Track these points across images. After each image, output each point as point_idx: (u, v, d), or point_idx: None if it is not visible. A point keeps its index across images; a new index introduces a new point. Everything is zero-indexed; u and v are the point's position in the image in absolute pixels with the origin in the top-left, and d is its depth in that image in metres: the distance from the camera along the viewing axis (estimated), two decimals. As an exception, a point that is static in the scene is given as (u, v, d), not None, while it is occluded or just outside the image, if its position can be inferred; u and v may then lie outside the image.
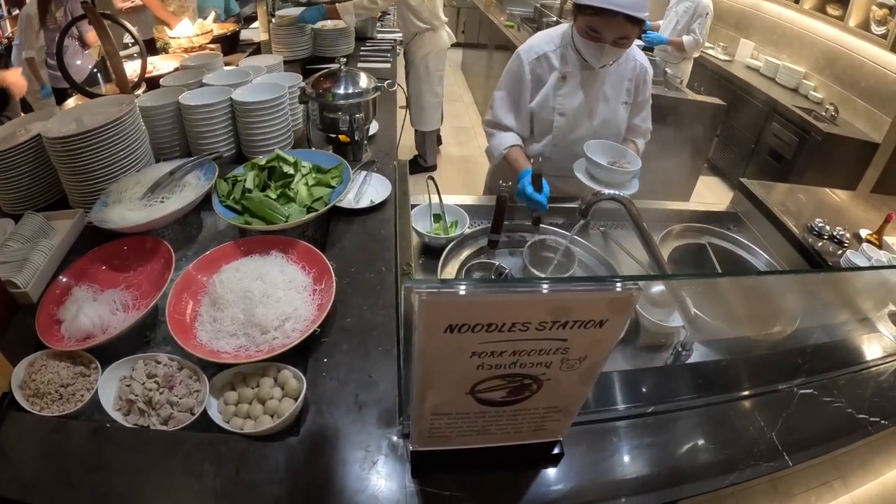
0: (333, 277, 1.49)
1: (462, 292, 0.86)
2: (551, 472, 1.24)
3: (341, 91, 2.04)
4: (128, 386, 1.30)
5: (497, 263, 1.89)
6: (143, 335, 1.49)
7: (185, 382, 1.32)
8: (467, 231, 1.99)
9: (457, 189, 4.93)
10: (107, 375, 1.31)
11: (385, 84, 2.13)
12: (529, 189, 1.97)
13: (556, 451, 1.25)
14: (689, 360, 1.71)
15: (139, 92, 2.36)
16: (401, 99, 2.87)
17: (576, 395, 1.12)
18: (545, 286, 0.89)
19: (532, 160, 2.13)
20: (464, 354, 0.95)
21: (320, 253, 1.56)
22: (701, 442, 1.38)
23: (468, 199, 2.27)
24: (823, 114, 4.84)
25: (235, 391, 1.32)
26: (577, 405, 1.15)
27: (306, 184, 1.73)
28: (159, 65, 2.65)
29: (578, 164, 2.14)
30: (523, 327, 0.92)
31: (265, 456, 1.19)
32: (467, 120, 6.92)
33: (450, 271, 1.84)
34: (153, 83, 2.40)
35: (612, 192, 1.53)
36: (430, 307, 0.87)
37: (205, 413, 1.26)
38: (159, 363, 1.35)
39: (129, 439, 1.20)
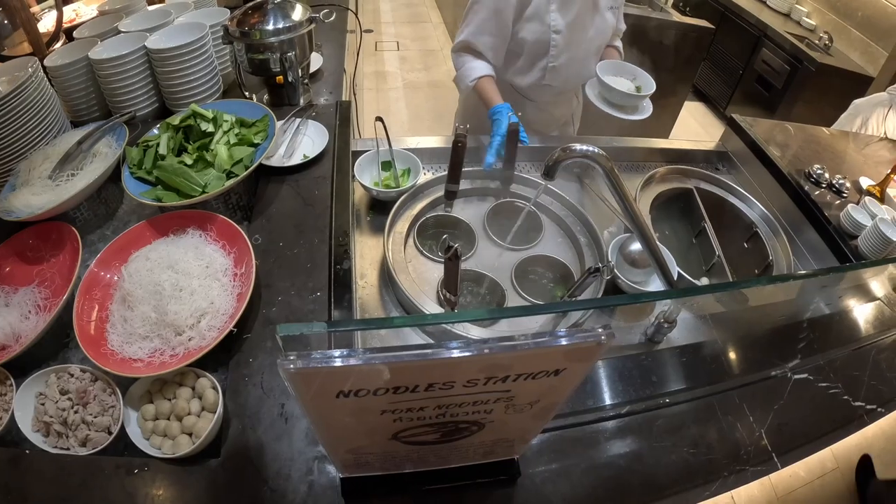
0: (254, 260, 1.13)
1: (345, 362, 0.55)
2: (506, 490, 0.99)
3: (269, 27, 1.61)
4: (42, 405, 1.07)
5: (445, 237, 1.49)
6: (63, 335, 1.20)
7: (99, 398, 1.08)
8: (420, 181, 1.59)
9: (424, 115, 4.58)
10: (22, 393, 1.07)
11: (321, 14, 1.64)
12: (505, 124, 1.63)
13: (511, 468, 0.98)
14: (672, 344, 1.41)
15: (57, 45, 1.88)
16: (351, 22, 2.35)
17: (529, 428, 0.78)
18: (469, 349, 0.56)
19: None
20: (371, 413, 0.65)
21: (239, 229, 1.21)
22: (681, 446, 1.13)
23: (426, 141, 1.85)
24: (817, 42, 4.26)
25: (153, 404, 1.08)
26: (532, 434, 0.82)
27: (227, 143, 1.33)
28: (83, 11, 2.15)
29: (590, 87, 1.84)
30: (445, 386, 0.61)
31: (186, 483, 0.97)
32: (435, 42, 6.17)
33: (399, 229, 1.45)
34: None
35: (584, 147, 1.10)
36: (305, 378, 0.58)
37: (123, 429, 1.03)
38: (72, 376, 1.10)
39: (48, 467, 0.98)
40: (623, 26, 2.05)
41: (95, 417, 1.04)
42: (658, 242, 1.32)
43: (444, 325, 1.27)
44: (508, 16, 1.76)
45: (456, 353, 0.55)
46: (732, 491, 2.28)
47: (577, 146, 1.12)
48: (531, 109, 2.03)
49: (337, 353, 0.53)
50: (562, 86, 1.95)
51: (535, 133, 2.01)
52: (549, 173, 1.15)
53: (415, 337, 1.30)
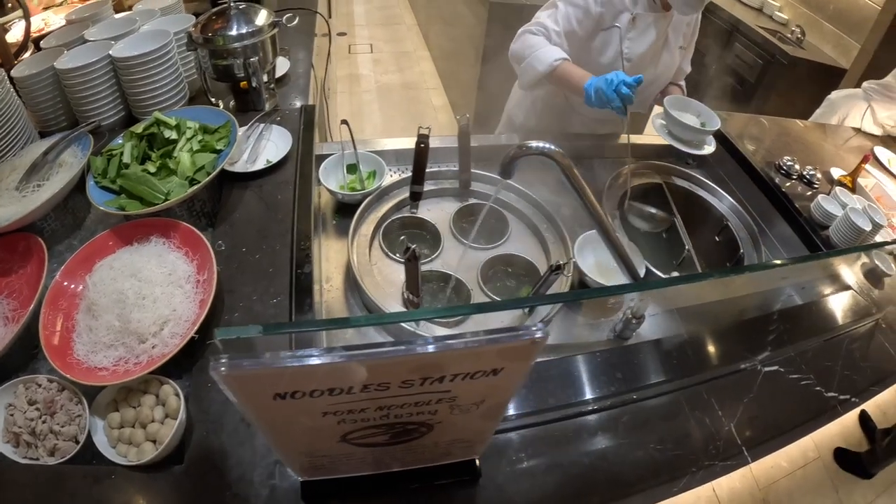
0: (215, 267, 1.15)
1: (272, 364, 0.58)
2: (468, 491, 1.00)
3: (232, 33, 1.62)
4: (11, 415, 1.09)
5: (402, 238, 1.50)
6: (32, 346, 1.21)
7: (66, 407, 1.09)
8: (385, 183, 1.60)
9: (398, 117, 4.60)
10: (-9, 405, 1.08)
11: (284, 19, 1.65)
12: (623, 80, 1.60)
13: (471, 469, 0.99)
14: (641, 339, 1.43)
15: (26, 55, 1.89)
16: (321, 26, 2.36)
17: (481, 429, 0.80)
18: (396, 350, 0.59)
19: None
20: (312, 416, 0.68)
21: (201, 236, 1.23)
22: (648, 443, 1.13)
23: (394, 143, 1.86)
24: (789, 36, 4.26)
25: (119, 412, 1.09)
26: (487, 434, 0.84)
27: (190, 150, 1.35)
28: (52, 20, 2.16)
29: (656, 120, 1.90)
30: (381, 387, 0.63)
31: (151, 490, 0.98)
32: (409, 44, 6.15)
33: (364, 232, 1.47)
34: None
35: (540, 144, 1.11)
36: (237, 381, 0.60)
37: (90, 438, 1.04)
38: (39, 386, 1.11)
39: (19, 477, 1.00)
40: (688, 68, 2.10)
41: (63, 427, 1.05)
42: (619, 237, 1.34)
43: (404, 327, 1.30)
44: (583, 33, 1.80)
45: (383, 354, 0.57)
46: (714, 484, 2.32)
47: (534, 143, 1.14)
48: (577, 122, 2.09)
49: (268, 355, 0.55)
50: None
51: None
52: (505, 172, 1.17)
53: (378, 339, 1.31)
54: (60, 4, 2.29)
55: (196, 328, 1.10)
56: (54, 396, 1.08)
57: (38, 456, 1.04)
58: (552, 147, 1.12)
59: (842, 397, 1.30)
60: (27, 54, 1.92)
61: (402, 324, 1.28)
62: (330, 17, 2.42)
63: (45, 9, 2.30)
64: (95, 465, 1.01)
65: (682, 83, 2.13)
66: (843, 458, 2.63)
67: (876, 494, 2.52)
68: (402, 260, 1.47)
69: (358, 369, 0.58)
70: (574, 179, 1.15)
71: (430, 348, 0.58)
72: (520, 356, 0.64)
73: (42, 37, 1.95)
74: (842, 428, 2.68)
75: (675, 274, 1.73)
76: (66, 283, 1.23)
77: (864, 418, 2.77)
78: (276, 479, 0.97)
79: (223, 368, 0.55)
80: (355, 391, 0.61)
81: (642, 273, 1.45)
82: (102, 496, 0.96)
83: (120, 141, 1.45)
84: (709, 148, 1.88)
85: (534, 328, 0.61)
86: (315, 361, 0.56)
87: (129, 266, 1.20)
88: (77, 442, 1.04)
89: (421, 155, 1.47)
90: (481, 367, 0.63)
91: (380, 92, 4.92)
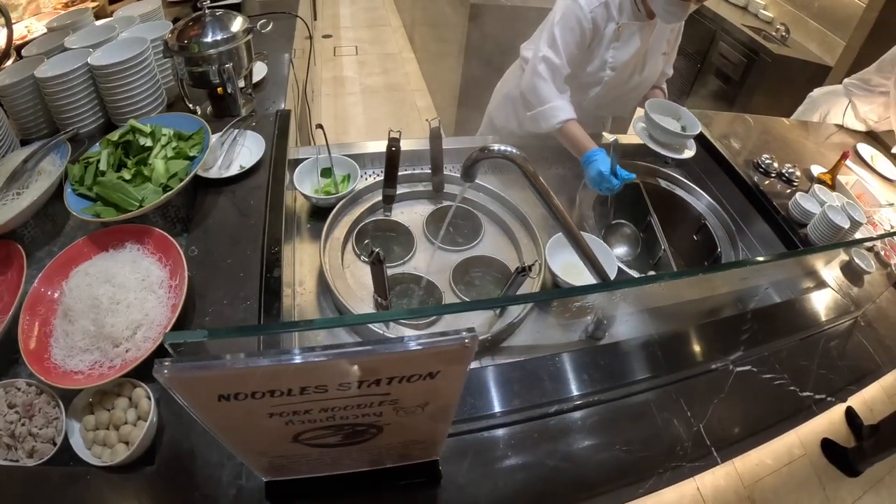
0: (186, 272, 1.20)
1: (212, 367, 0.62)
2: (429, 492, 1.03)
3: (206, 39, 1.67)
4: None
5: (367, 242, 1.54)
6: (13, 351, 1.23)
7: (43, 410, 1.14)
8: (359, 186, 1.64)
9: (383, 120, 4.58)
10: (-28, 409, 1.12)
11: (258, 25, 1.69)
12: (608, 173, 1.70)
13: (432, 470, 1.02)
14: (613, 339, 1.45)
15: (8, 63, 1.94)
16: (303, 29, 2.40)
17: (433, 430, 0.85)
18: (330, 351, 0.62)
19: (611, 146, 1.76)
20: (260, 416, 0.73)
21: (173, 241, 1.28)
22: (615, 444, 1.15)
23: (370, 146, 1.89)
24: (774, 34, 4.30)
25: (93, 415, 1.14)
26: (440, 436, 0.88)
27: (164, 157, 1.39)
28: (35, 27, 2.20)
29: (637, 124, 1.94)
30: (319, 390, 0.66)
31: (125, 490, 1.03)
32: (394, 45, 6.13)
33: (337, 235, 1.52)
34: (28, 51, 1.96)
35: (502, 147, 1.14)
36: (180, 383, 0.63)
37: (67, 440, 1.09)
38: (19, 390, 1.16)
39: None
40: (670, 71, 2.15)
41: (41, 429, 1.10)
42: (593, 237, 1.36)
43: (374, 329, 1.33)
44: (582, 49, 1.84)
45: (315, 358, 0.61)
46: (698, 483, 2.35)
47: (496, 146, 1.16)
48: None
49: (209, 359, 0.60)
50: (598, 111, 2.08)
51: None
52: (467, 174, 1.20)
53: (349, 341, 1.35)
54: (52, 10, 2.34)
55: (167, 331, 1.15)
56: (33, 400, 1.13)
57: (18, 458, 1.08)
58: (514, 150, 1.15)
59: (817, 397, 1.32)
60: (10, 62, 1.96)
61: (372, 327, 1.33)
62: (315, 19, 2.45)
63: (31, 16, 2.35)
64: (72, 467, 1.05)
65: (664, 86, 2.17)
66: (830, 450, 2.67)
67: (863, 491, 2.55)
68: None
69: (292, 372, 0.62)
70: (536, 182, 1.17)
71: (362, 352, 0.62)
72: (453, 360, 0.67)
73: (24, 44, 1.99)
74: (828, 424, 2.72)
75: (652, 273, 1.77)
76: (43, 290, 1.27)
77: (851, 415, 2.80)
78: (242, 479, 1.01)
79: (165, 371, 0.60)
80: (295, 393, 0.66)
81: (614, 273, 1.48)
82: (78, 497, 1.00)
83: (97, 148, 1.49)
84: (689, 152, 1.91)
85: (464, 333, 0.65)
86: (250, 364, 0.60)
87: (104, 272, 1.24)
88: (54, 444, 1.08)
89: (393, 158, 1.51)
90: (417, 371, 0.66)
91: (364, 94, 4.92)
